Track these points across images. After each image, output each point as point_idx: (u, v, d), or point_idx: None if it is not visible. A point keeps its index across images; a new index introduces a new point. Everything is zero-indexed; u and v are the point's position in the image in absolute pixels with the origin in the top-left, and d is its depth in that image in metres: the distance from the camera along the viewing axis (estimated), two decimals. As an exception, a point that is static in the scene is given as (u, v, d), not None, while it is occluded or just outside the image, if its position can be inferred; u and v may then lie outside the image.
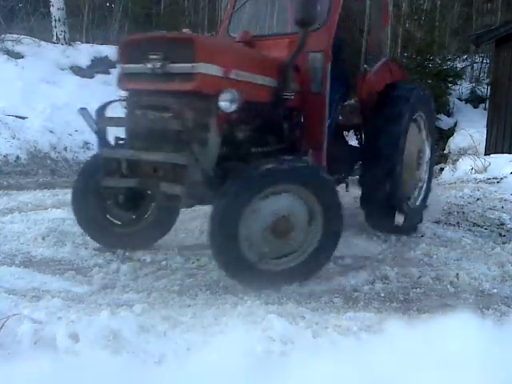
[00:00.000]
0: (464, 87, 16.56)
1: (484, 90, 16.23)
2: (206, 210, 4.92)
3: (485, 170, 8.03)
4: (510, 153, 9.02)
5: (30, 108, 9.24)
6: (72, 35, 12.37)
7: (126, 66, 3.24)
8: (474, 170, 8.18)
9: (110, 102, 3.43)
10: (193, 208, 5.01)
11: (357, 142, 4.69)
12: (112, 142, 3.45)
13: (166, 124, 3.00)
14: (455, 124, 14.90)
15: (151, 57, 3.00)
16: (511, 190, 6.39)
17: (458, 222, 4.92)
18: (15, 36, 11.09)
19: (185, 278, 3.08)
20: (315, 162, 3.57)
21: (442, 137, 14.02)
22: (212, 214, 2.89)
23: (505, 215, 5.17)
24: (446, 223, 4.91)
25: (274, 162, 3.02)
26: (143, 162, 3.18)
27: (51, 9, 11.75)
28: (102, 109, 3.37)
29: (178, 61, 2.95)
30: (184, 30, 3.94)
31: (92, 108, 3.41)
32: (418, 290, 3.04)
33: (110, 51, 12.25)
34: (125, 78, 3.28)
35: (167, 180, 3.09)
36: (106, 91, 10.97)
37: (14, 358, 1.85)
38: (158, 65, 2.97)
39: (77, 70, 11.34)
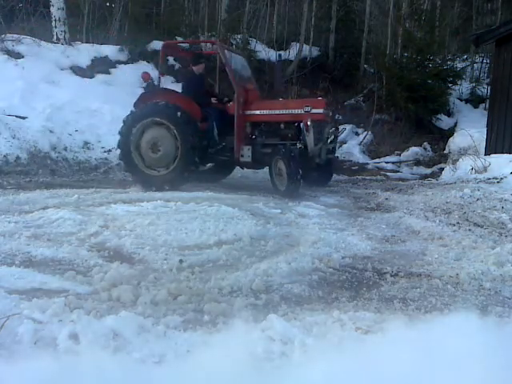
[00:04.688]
0: (464, 87, 16.54)
1: (484, 89, 16.21)
2: (206, 209, 4.94)
3: (485, 170, 8.03)
4: (510, 153, 9.02)
5: (30, 108, 9.24)
6: (72, 35, 12.36)
7: None
8: (474, 170, 8.18)
9: None
10: (193, 208, 5.04)
11: None
12: None
13: None
14: (455, 124, 14.87)
15: None
16: (511, 190, 6.39)
17: (458, 222, 4.92)
18: (15, 36, 11.09)
19: (184, 277, 3.08)
20: None
21: (442, 137, 14.01)
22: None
23: (505, 215, 5.16)
24: (445, 223, 4.91)
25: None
26: None
27: (51, 9, 11.75)
28: None
29: None
30: None
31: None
32: (418, 289, 3.04)
33: (109, 51, 12.24)
34: None
35: None
36: (106, 91, 10.99)
37: (14, 358, 1.85)
38: None
39: (77, 70, 11.34)
